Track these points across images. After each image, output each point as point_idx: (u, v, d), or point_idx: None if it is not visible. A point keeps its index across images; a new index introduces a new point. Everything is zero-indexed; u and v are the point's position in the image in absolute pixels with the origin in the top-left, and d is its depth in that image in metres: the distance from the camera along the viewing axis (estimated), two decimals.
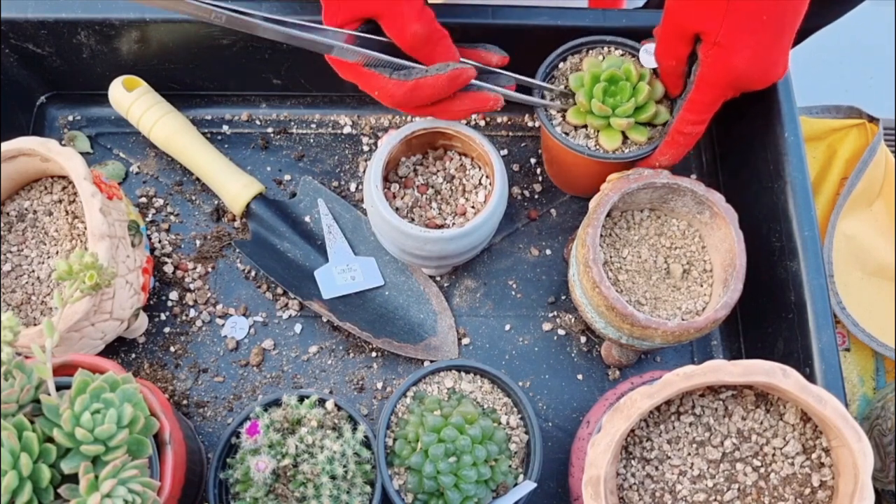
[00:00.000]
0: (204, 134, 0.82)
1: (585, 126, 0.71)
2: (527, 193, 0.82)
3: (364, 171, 0.82)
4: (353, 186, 0.82)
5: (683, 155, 0.69)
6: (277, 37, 0.60)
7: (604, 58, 0.72)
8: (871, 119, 0.88)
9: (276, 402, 0.63)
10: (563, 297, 0.78)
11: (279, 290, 0.77)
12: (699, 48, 0.63)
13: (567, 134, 0.70)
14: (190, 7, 0.56)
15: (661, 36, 0.66)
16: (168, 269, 0.78)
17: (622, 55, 0.72)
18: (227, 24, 0.58)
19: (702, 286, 0.69)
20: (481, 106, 0.65)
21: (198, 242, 0.79)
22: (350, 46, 0.62)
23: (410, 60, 0.64)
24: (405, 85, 0.62)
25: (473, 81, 0.65)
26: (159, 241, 0.79)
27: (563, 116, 0.71)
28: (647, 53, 0.69)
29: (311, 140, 0.84)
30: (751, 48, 0.61)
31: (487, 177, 0.73)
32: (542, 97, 0.71)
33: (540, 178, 0.83)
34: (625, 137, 0.70)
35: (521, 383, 0.75)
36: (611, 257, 0.69)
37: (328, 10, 0.63)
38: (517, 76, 0.69)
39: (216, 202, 0.81)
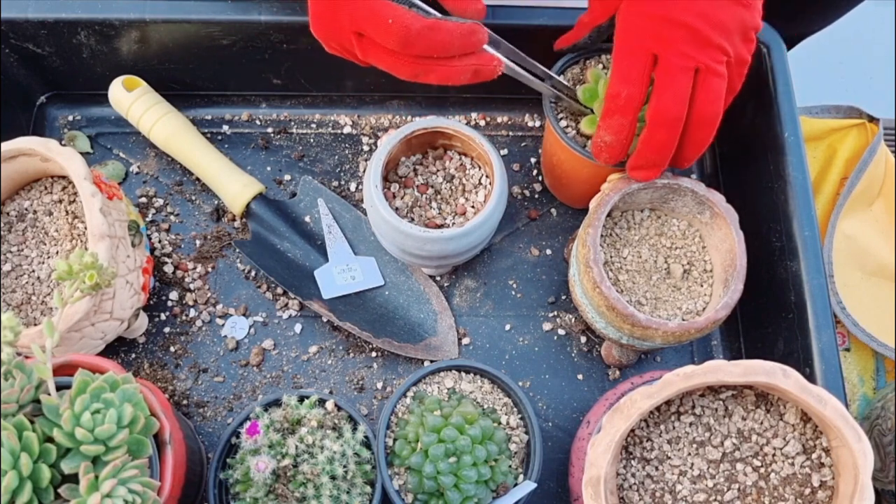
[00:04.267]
0: (204, 134, 0.82)
1: None
2: (527, 193, 0.82)
3: (364, 171, 0.82)
4: (353, 186, 0.82)
5: (622, 131, 0.61)
6: None
7: (604, 66, 0.71)
8: (871, 119, 0.88)
9: (276, 402, 0.63)
10: (564, 297, 0.78)
11: (279, 290, 0.77)
12: None
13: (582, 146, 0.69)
14: None
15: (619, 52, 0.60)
16: (168, 269, 0.78)
17: None
18: None
19: (702, 286, 0.69)
20: (486, 64, 0.59)
21: (198, 242, 0.79)
22: None
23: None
24: (423, 20, 0.56)
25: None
26: (159, 241, 0.79)
27: (574, 128, 0.70)
28: None
29: (311, 140, 0.84)
30: None
31: (487, 176, 0.73)
32: (551, 92, 0.70)
33: (540, 178, 0.83)
34: None
35: (521, 383, 0.75)
36: (611, 257, 0.69)
37: None
38: (521, 54, 0.67)
39: (216, 202, 0.81)
